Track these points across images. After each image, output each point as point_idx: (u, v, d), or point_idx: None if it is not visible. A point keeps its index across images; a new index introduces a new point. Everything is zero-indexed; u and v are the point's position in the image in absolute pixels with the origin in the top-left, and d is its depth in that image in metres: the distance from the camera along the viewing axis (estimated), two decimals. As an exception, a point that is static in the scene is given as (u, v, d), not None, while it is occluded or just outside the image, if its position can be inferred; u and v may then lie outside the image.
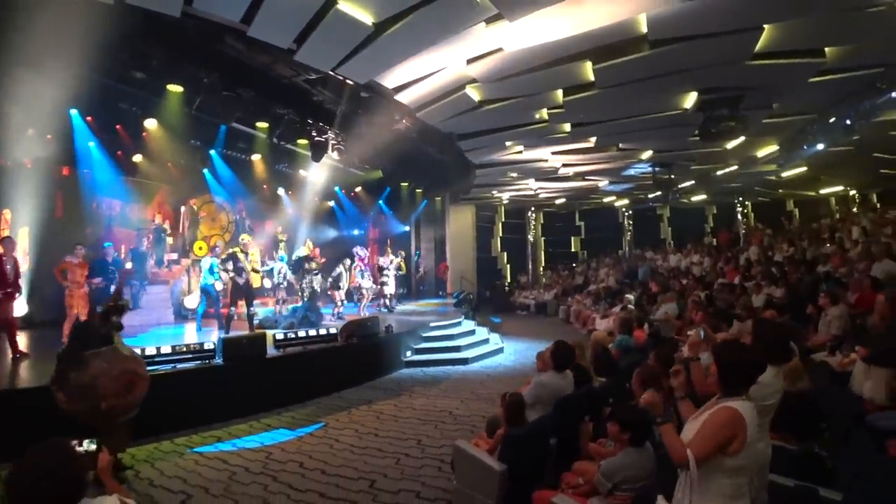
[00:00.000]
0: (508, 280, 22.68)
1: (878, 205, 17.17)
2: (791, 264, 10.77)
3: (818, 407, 3.93)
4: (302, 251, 11.65)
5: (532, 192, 18.21)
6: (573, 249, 24.40)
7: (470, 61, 7.11)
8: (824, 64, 7.11)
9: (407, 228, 18.31)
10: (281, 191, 14.96)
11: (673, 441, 2.28)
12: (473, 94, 8.19)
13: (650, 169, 13.79)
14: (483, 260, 21.67)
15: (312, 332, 8.27)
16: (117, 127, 10.29)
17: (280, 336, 7.81)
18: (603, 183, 16.58)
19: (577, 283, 19.68)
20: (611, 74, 7.34)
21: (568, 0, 5.49)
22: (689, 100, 8.59)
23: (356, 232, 17.28)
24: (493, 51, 6.75)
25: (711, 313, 6.80)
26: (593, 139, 10.98)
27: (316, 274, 11.51)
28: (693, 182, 16.18)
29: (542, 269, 23.93)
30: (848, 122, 8.88)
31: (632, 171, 14.63)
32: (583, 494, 3.18)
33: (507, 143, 11.20)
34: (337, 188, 15.83)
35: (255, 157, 12.70)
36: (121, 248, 11.04)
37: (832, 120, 9.17)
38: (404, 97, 8.36)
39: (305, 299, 10.41)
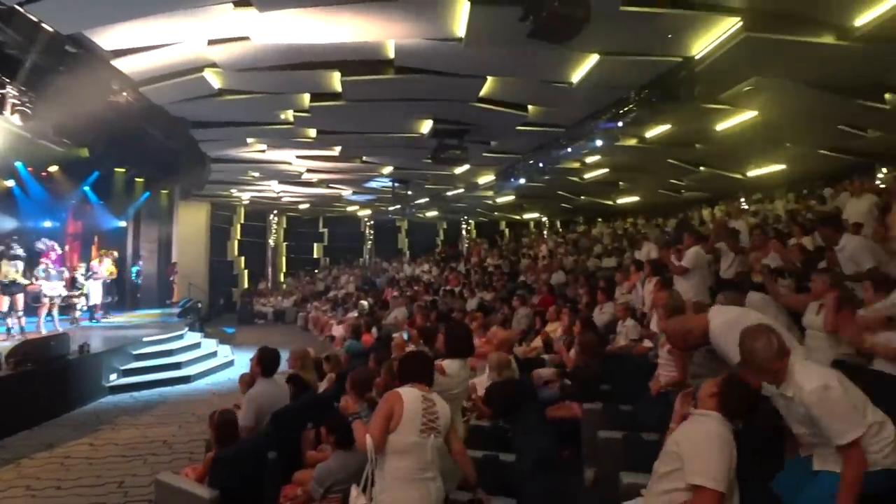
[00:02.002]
0: (246, 286, 21.26)
1: (561, 230, 22.13)
2: (499, 274, 12.93)
3: (517, 389, 4.76)
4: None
5: (275, 195, 17.52)
6: (316, 256, 24.31)
7: (212, 42, 6.40)
8: (527, 117, 8.82)
9: (123, 224, 15.27)
10: (-83, 156, 10.62)
11: (358, 434, 2.53)
12: (213, 79, 7.44)
13: (390, 184, 14.77)
14: (217, 264, 19.78)
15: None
16: None
17: None
18: (347, 192, 17.03)
19: (318, 290, 19.69)
20: (358, 89, 7.62)
21: (323, 7, 5.48)
22: (426, 126, 9.51)
23: (48, 224, 13.51)
24: (239, 37, 6.23)
25: (434, 317, 7.66)
26: (338, 149, 11.20)
27: None
28: (427, 199, 17.99)
29: (282, 275, 23.14)
30: (541, 165, 11.23)
31: (374, 184, 15.41)
32: (299, 504, 3.17)
33: (249, 140, 10.53)
34: (19, 163, 12.05)
35: None
36: None
37: (531, 162, 11.38)
38: (125, 64, 6.99)
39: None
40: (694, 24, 5.77)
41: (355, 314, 12.02)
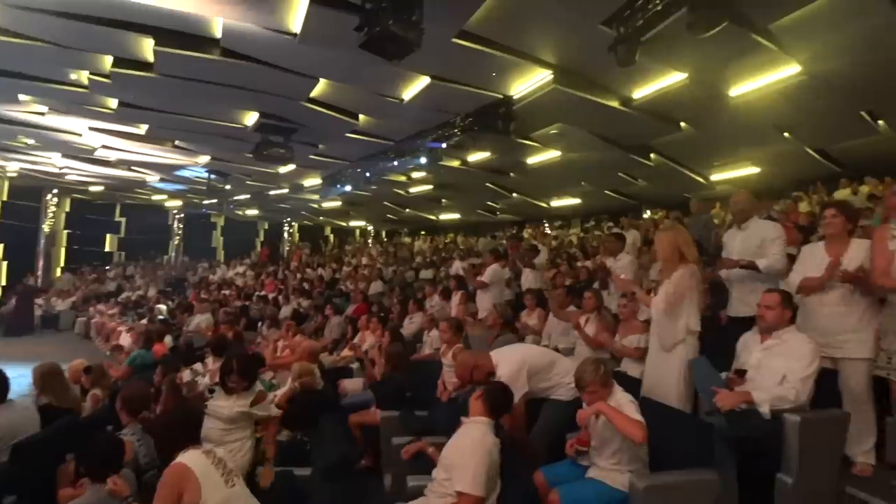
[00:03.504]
0: (4, 283, 17.19)
1: (386, 240, 22.51)
2: (318, 280, 12.59)
3: (318, 400, 4.64)
4: None
5: (56, 170, 14.62)
6: (108, 249, 20.85)
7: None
8: (357, 126, 8.88)
9: None
10: None
11: None
12: (-28, 11, 5.93)
13: (206, 175, 13.48)
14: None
15: None
16: None
17: None
18: (153, 178, 15.05)
19: (106, 290, 16.84)
20: (174, 64, 6.80)
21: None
22: (250, 118, 8.93)
23: None
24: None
25: (243, 324, 7.15)
26: (145, 127, 9.86)
27: None
28: (248, 196, 16.82)
29: (59, 270, 19.28)
30: (368, 174, 11.35)
31: (187, 173, 13.90)
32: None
33: (22, 98, 8.65)
34: None
35: None
36: None
37: (359, 170, 11.45)
38: None
39: None
40: (514, 68, 6.57)
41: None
